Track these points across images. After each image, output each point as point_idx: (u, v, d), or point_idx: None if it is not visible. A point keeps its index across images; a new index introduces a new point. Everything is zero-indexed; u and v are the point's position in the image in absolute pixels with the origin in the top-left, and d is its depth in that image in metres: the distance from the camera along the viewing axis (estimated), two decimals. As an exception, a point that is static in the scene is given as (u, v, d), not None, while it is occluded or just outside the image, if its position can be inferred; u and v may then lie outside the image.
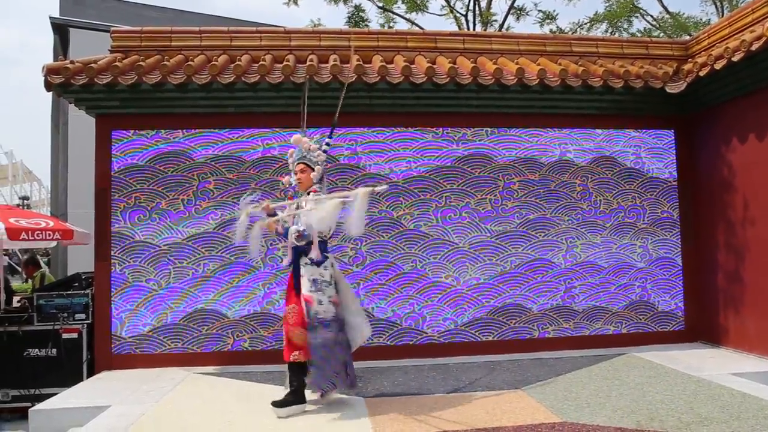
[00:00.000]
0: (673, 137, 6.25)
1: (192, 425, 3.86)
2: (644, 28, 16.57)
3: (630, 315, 6.02)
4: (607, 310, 6.00)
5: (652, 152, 6.21)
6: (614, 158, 6.15)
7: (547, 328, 5.92)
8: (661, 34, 15.75)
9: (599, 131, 6.15)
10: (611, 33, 15.68)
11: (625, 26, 16.05)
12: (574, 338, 5.92)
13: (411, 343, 5.73)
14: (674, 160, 6.22)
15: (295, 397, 4.08)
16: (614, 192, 6.12)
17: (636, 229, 6.11)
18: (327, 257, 4.20)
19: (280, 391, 4.21)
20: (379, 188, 4.00)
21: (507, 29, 15.05)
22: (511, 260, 5.93)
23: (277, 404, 4.02)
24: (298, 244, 4.12)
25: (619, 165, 6.15)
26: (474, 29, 14.76)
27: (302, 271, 4.13)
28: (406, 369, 5.28)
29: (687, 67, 5.76)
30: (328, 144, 4.43)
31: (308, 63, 5.49)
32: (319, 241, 4.11)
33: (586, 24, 16.12)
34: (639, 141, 6.19)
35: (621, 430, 3.57)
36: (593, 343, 5.88)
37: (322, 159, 4.32)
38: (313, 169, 4.28)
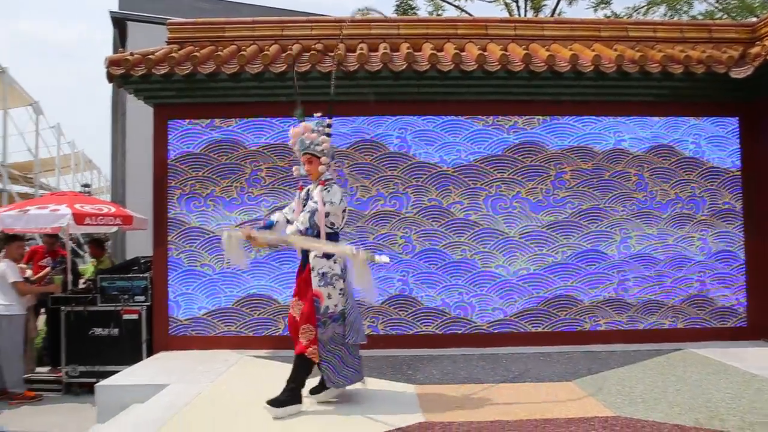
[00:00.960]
0: (737, 125, 5.97)
1: (244, 406, 3.97)
2: (705, 10, 15.82)
3: (687, 309, 5.82)
4: (663, 303, 5.82)
5: (713, 141, 5.95)
6: (672, 147, 5.93)
7: (599, 320, 5.79)
8: (725, 17, 15.00)
9: (656, 119, 5.94)
10: (670, 17, 15.05)
11: (685, 9, 15.37)
12: (627, 332, 5.77)
13: (459, 332, 5.72)
14: (738, 149, 5.95)
15: (292, 396, 3.88)
16: (672, 182, 5.90)
17: (695, 220, 5.89)
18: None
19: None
20: (379, 258, 3.71)
21: (559, 15, 14.67)
22: (563, 251, 5.82)
23: (273, 403, 3.82)
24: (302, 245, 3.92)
25: (678, 154, 5.93)
26: (525, 16, 14.45)
27: (312, 263, 3.92)
28: (454, 358, 5.28)
29: (754, 50, 5.48)
30: (329, 125, 4.13)
31: (358, 51, 5.51)
32: (329, 233, 3.92)
33: (642, 8, 15.53)
34: (699, 129, 5.95)
35: (679, 427, 3.47)
36: (647, 338, 5.72)
37: (326, 146, 4.04)
38: (319, 159, 4.01)
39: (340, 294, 3.93)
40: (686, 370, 4.72)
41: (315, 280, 3.89)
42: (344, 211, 4.04)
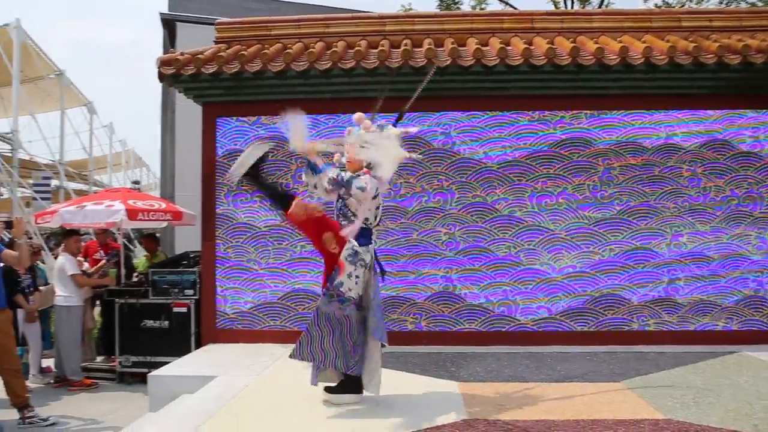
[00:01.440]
0: (798, 118, 5.69)
1: (290, 398, 4.05)
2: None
3: (742, 311, 5.60)
4: (716, 304, 5.62)
5: (773, 135, 5.69)
6: (728, 141, 5.70)
7: (648, 320, 5.64)
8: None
9: (711, 112, 5.72)
10: (727, 4, 14.43)
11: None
12: (678, 333, 5.59)
13: (503, 330, 5.67)
14: (799, 143, 5.68)
15: (349, 385, 3.88)
16: (727, 178, 5.68)
17: (752, 218, 5.65)
18: (369, 243, 3.91)
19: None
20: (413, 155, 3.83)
21: (606, 6, 14.28)
22: (610, 248, 5.69)
23: (329, 390, 3.88)
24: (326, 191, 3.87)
25: (734, 148, 5.70)
26: (572, 8, 14.13)
27: (349, 239, 3.83)
28: (498, 356, 5.24)
29: (818, 39, 5.22)
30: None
31: (403, 47, 5.51)
32: (363, 228, 3.82)
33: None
34: (758, 122, 5.70)
35: (735, 432, 3.35)
36: (699, 339, 5.52)
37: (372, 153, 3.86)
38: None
39: (356, 281, 3.80)
40: (742, 374, 4.54)
41: (345, 252, 3.80)
42: (378, 207, 3.93)
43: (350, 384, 3.90)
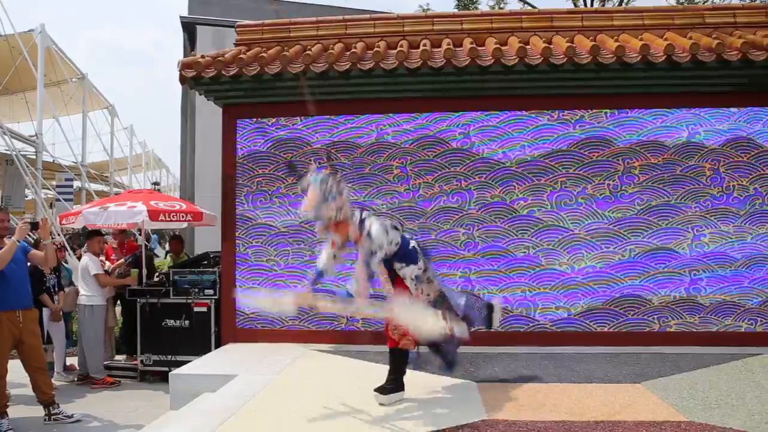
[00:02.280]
0: (825, 115, 5.58)
1: (309, 397, 4.08)
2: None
3: (766, 312, 5.50)
4: (739, 305, 5.53)
5: (798, 133, 5.59)
6: (752, 139, 5.61)
7: (669, 321, 5.57)
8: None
9: (734, 110, 5.63)
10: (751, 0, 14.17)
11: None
12: (700, 334, 5.51)
13: (522, 330, 5.65)
14: (826, 142, 5.57)
15: (396, 385, 3.97)
16: (751, 177, 5.59)
17: (777, 217, 5.56)
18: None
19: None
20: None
21: (627, 3, 14.12)
22: (630, 248, 5.63)
23: (379, 390, 3.94)
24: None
25: (758, 147, 5.60)
26: (591, 6, 14.00)
27: (401, 274, 3.91)
28: (517, 356, 5.21)
29: None
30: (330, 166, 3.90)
31: (421, 48, 5.52)
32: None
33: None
34: (783, 120, 5.60)
35: (758, 435, 3.31)
36: (722, 341, 5.44)
37: (339, 202, 3.70)
38: (340, 206, 3.69)
39: (417, 287, 3.89)
40: (766, 376, 4.46)
41: (411, 286, 3.87)
42: (393, 243, 3.81)
43: (399, 383, 4.00)
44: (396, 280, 3.95)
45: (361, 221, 3.82)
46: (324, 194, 3.63)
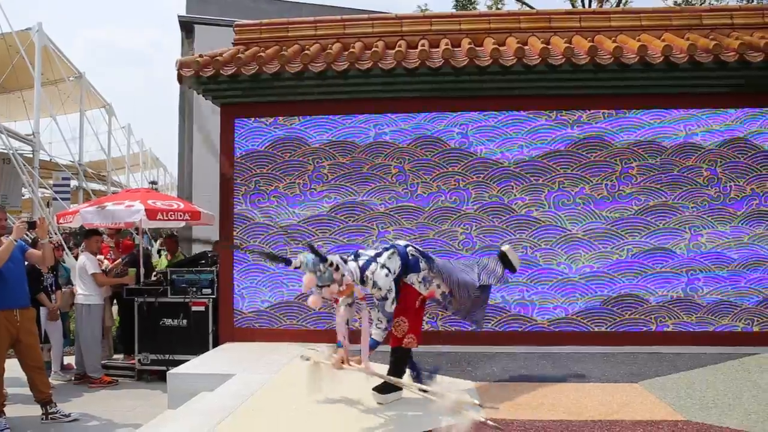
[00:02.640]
0: (822, 116, 5.61)
1: (306, 397, 4.06)
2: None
3: (764, 312, 5.52)
4: (736, 305, 5.55)
5: (795, 133, 5.61)
6: (749, 140, 5.63)
7: (666, 321, 5.58)
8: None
9: (732, 111, 5.65)
10: (748, 1, 14.21)
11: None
12: (697, 334, 5.53)
13: (520, 329, 5.65)
14: (822, 142, 5.59)
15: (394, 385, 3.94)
16: (748, 177, 5.61)
17: (773, 218, 5.58)
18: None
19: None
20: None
21: (625, 4, 14.15)
22: (628, 248, 5.65)
23: (377, 390, 3.93)
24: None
25: (755, 147, 5.62)
26: (589, 7, 14.03)
27: (408, 280, 3.98)
28: (515, 356, 5.22)
29: (842, 36, 5.13)
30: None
31: (420, 48, 5.52)
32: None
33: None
34: (780, 121, 5.62)
35: (755, 434, 3.32)
36: (719, 341, 5.46)
37: (337, 275, 3.59)
38: (338, 281, 3.61)
39: (426, 287, 4.00)
40: (763, 375, 4.48)
41: (420, 288, 3.97)
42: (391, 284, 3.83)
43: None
44: (403, 288, 3.96)
45: (362, 272, 3.78)
46: (319, 277, 3.57)
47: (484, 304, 4.34)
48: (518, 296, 5.67)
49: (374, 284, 3.78)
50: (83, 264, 6.68)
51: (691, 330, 5.55)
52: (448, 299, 4.17)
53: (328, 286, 3.59)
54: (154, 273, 7.87)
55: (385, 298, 3.81)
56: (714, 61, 5.20)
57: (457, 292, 4.08)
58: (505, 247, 4.39)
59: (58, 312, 6.72)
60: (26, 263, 5.34)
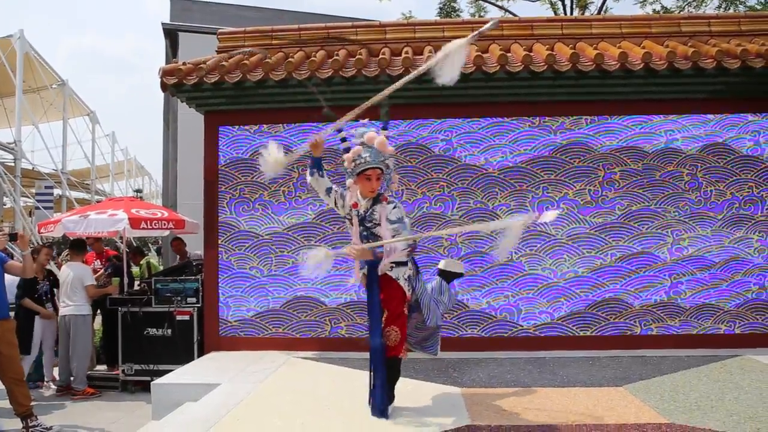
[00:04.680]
0: (798, 121, 5.71)
1: (292, 405, 4.06)
2: (764, 1, 15.12)
3: (745, 314, 5.60)
4: (718, 308, 5.62)
5: (772, 138, 5.71)
6: (728, 145, 5.72)
7: (650, 324, 5.64)
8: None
9: (711, 116, 5.74)
10: (725, 9, 14.46)
11: (741, 0, 14.73)
12: (680, 337, 5.59)
13: (505, 335, 5.67)
14: (799, 147, 5.70)
15: (391, 396, 3.87)
16: (727, 182, 5.70)
17: (753, 221, 5.66)
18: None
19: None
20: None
21: (605, 12, 14.34)
22: (612, 253, 5.70)
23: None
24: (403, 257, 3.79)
25: (734, 152, 5.72)
26: (571, 15, 14.20)
27: (393, 275, 3.82)
28: (500, 361, 5.24)
29: (816, 43, 5.24)
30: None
31: (403, 55, 5.55)
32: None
33: (694, 1, 15.00)
34: (758, 126, 5.72)
35: (737, 435, 3.36)
36: (702, 343, 5.52)
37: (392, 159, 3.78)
38: (382, 172, 3.73)
39: (409, 287, 3.88)
40: (744, 377, 4.54)
41: (405, 286, 3.82)
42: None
43: (392, 393, 3.90)
44: (387, 286, 3.82)
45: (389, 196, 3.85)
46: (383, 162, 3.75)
47: (438, 333, 4.18)
48: (504, 301, 5.70)
49: (397, 208, 3.73)
50: (80, 274, 6.60)
51: (675, 333, 5.61)
52: (411, 316, 3.96)
53: (389, 177, 3.77)
54: (138, 282, 7.80)
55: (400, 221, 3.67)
56: (693, 67, 5.29)
57: (423, 313, 3.95)
58: (441, 264, 4.29)
59: (56, 317, 6.64)
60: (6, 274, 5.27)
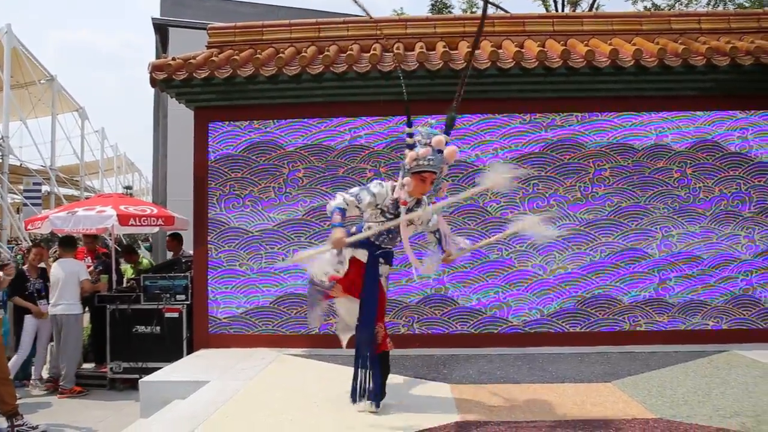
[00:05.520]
0: (786, 119, 5.75)
1: (282, 402, 4.04)
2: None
3: (732, 310, 5.64)
4: (706, 304, 5.65)
5: (761, 135, 5.74)
6: (717, 142, 5.75)
7: (639, 320, 5.66)
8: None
9: (700, 113, 5.77)
10: (714, 6, 14.55)
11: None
12: (668, 332, 5.62)
13: (495, 331, 5.68)
14: (787, 144, 5.74)
15: (383, 391, 3.88)
16: (716, 178, 5.73)
17: (740, 218, 5.70)
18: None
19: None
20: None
21: (597, 9, 14.38)
22: (601, 249, 5.72)
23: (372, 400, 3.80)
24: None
25: (723, 149, 5.75)
26: (562, 11, 14.23)
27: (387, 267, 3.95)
28: (490, 357, 5.25)
29: (804, 41, 5.28)
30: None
31: (395, 51, 5.53)
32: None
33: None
34: (746, 123, 5.75)
35: (723, 431, 3.37)
36: (689, 339, 5.55)
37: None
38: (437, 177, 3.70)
39: (386, 286, 3.99)
40: (731, 372, 4.58)
41: (385, 285, 3.92)
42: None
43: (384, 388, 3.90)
44: (372, 283, 3.84)
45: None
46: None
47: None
48: (494, 298, 5.70)
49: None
50: (75, 271, 6.55)
51: (663, 329, 5.64)
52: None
53: (438, 183, 3.71)
54: (126, 279, 7.75)
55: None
56: (683, 64, 5.30)
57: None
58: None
59: (48, 315, 6.59)
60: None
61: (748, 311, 5.63)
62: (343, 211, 3.65)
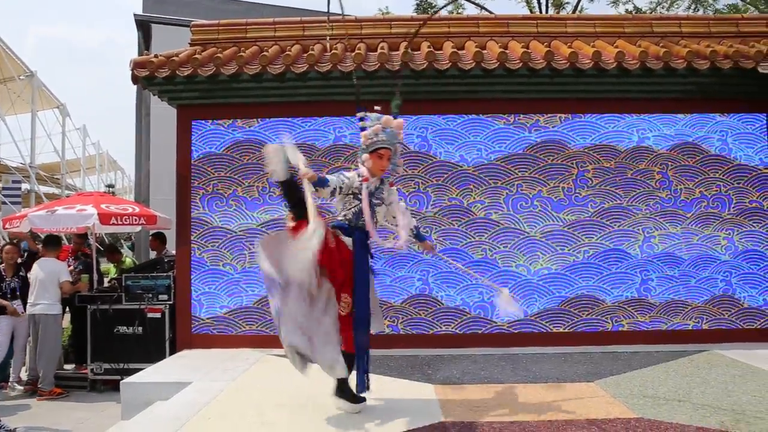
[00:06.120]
0: (765, 122, 5.84)
1: (265, 402, 4.02)
2: (732, 3, 15.48)
3: (712, 310, 5.72)
4: (687, 304, 5.73)
5: (740, 138, 5.83)
6: (697, 144, 5.83)
7: (621, 321, 5.72)
8: (753, 10, 14.67)
9: (681, 116, 5.84)
10: (695, 11, 14.76)
11: (711, 2, 15.05)
12: (650, 332, 5.69)
13: (479, 332, 5.70)
14: (766, 146, 5.82)
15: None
16: (696, 180, 5.80)
17: (720, 219, 5.78)
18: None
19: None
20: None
21: (580, 11, 14.50)
22: (584, 250, 5.76)
23: (350, 400, 3.80)
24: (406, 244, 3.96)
25: (703, 152, 5.82)
26: (546, 13, 14.33)
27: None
28: (474, 358, 5.26)
29: (782, 45, 5.36)
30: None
31: (379, 51, 5.52)
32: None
33: (665, 3, 15.27)
34: (726, 126, 5.84)
35: (704, 430, 3.42)
36: (671, 339, 5.62)
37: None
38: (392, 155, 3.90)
39: None
40: (711, 371, 4.64)
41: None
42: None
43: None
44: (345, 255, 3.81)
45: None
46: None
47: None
48: (478, 298, 5.72)
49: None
50: (55, 271, 6.45)
51: (645, 329, 5.70)
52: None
53: (395, 161, 3.95)
54: (108, 279, 7.65)
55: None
56: (664, 67, 5.36)
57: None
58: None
59: (26, 316, 6.47)
60: None
61: (727, 311, 5.72)
62: (326, 180, 3.71)
